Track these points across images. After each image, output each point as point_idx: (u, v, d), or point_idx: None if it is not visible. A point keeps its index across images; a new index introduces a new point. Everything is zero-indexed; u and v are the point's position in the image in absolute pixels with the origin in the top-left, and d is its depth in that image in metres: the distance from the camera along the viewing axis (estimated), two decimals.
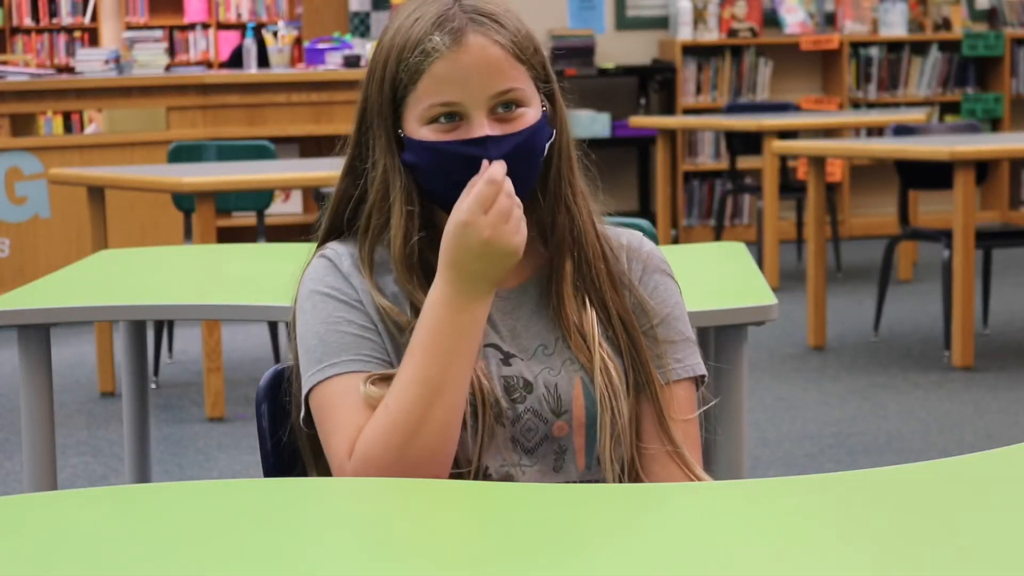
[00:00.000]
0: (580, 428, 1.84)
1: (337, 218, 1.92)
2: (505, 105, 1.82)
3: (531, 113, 1.84)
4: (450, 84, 1.81)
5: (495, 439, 1.82)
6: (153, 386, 5.63)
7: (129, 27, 12.46)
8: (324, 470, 1.84)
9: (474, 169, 1.80)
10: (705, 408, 1.94)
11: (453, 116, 1.82)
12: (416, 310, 1.82)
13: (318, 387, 1.80)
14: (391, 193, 1.85)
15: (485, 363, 1.83)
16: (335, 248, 1.89)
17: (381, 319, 1.83)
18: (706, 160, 8.93)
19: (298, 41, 8.92)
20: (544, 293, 1.90)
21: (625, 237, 1.96)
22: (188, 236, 5.96)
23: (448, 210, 1.84)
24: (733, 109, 8.22)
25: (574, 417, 1.84)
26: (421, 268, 1.85)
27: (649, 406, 1.88)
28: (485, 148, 1.80)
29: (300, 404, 1.83)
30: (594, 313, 1.88)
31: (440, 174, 1.83)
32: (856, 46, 9.00)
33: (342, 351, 1.80)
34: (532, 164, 1.85)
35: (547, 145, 1.87)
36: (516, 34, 1.84)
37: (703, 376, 1.93)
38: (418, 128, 1.83)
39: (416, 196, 1.85)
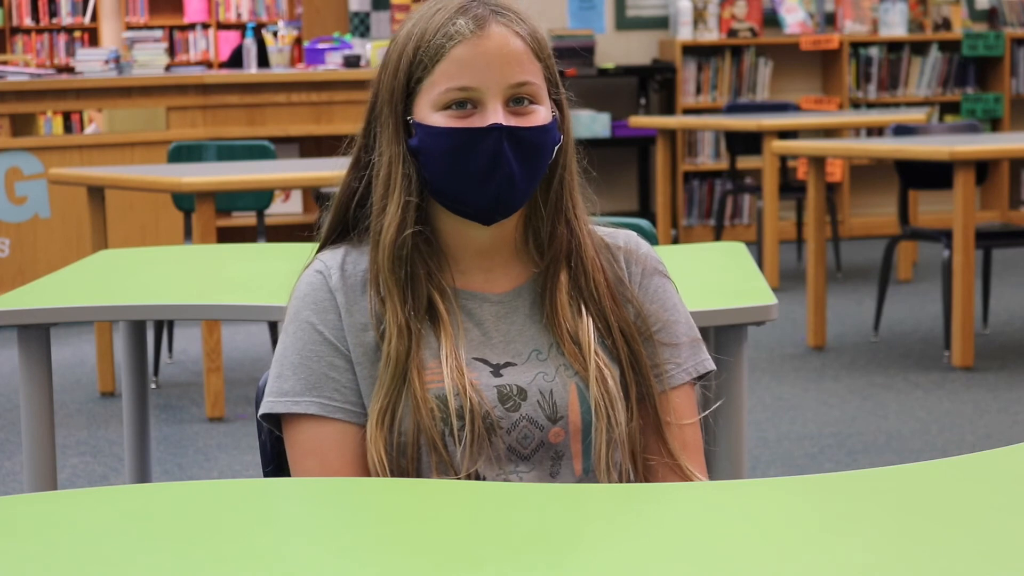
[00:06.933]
0: (577, 434, 1.83)
1: (340, 213, 1.92)
2: (519, 100, 1.82)
3: (543, 112, 1.84)
4: (469, 69, 1.81)
5: (491, 450, 1.81)
6: (153, 386, 5.63)
7: (129, 27, 12.47)
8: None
9: (481, 158, 1.80)
10: (707, 413, 1.94)
11: (466, 104, 1.81)
12: (399, 301, 1.82)
13: (284, 421, 1.84)
14: (391, 183, 1.85)
15: (476, 375, 1.83)
16: (327, 260, 1.88)
17: (366, 338, 1.84)
18: (706, 160, 8.93)
19: (298, 41, 8.92)
20: (538, 299, 1.89)
21: (622, 239, 1.95)
22: (188, 236, 5.96)
23: (446, 203, 1.84)
24: (733, 109, 8.22)
25: (570, 423, 1.83)
26: (409, 264, 1.84)
27: (650, 417, 1.88)
28: (496, 137, 1.80)
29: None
30: (591, 323, 1.87)
31: (445, 160, 1.82)
32: (856, 46, 9.00)
33: (307, 390, 1.83)
34: (540, 162, 1.85)
35: (555, 149, 1.87)
36: (535, 33, 1.86)
37: (709, 372, 1.92)
38: (430, 114, 1.83)
39: (416, 187, 1.85)
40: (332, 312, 1.85)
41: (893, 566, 1.39)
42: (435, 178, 1.84)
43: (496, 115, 1.80)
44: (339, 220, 1.92)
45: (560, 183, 1.89)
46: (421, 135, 1.83)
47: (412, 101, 1.84)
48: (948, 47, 9.13)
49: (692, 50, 8.88)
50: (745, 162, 8.42)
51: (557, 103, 1.88)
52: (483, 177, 1.81)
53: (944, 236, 5.71)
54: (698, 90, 8.92)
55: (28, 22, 12.85)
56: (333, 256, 1.89)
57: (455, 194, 1.83)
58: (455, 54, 1.81)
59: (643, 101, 8.88)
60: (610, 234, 1.95)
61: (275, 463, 1.94)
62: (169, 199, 6.05)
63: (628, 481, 1.86)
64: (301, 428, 1.83)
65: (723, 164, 8.71)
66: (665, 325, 1.90)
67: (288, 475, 1.91)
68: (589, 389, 1.83)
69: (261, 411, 1.85)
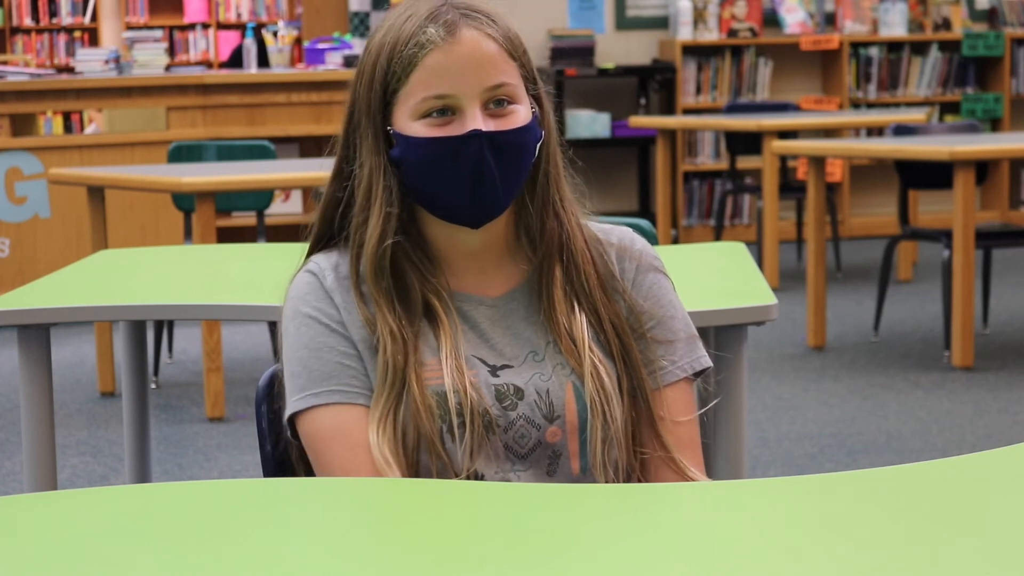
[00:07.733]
0: (574, 433, 1.83)
1: (326, 224, 1.91)
2: (497, 101, 1.82)
3: (522, 111, 1.83)
4: (444, 76, 1.80)
5: (490, 448, 1.80)
6: (153, 386, 5.63)
7: (129, 27, 12.47)
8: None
9: (463, 165, 1.80)
10: (704, 409, 1.94)
11: (445, 111, 1.81)
12: (388, 309, 1.82)
13: (304, 416, 1.81)
14: (372, 194, 1.84)
15: (474, 372, 1.83)
16: (319, 262, 1.88)
17: (366, 334, 1.83)
18: (706, 160, 8.93)
19: (298, 41, 8.92)
20: (533, 299, 1.89)
21: (615, 235, 1.94)
22: (188, 236, 5.96)
23: (431, 209, 1.84)
24: (733, 109, 8.22)
25: (567, 422, 1.83)
26: (392, 274, 1.84)
27: (644, 411, 1.87)
28: (476, 143, 1.80)
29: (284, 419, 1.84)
30: (584, 318, 1.87)
31: (428, 170, 1.81)
32: (856, 46, 9.00)
33: (324, 380, 1.81)
34: (523, 163, 1.84)
35: (537, 146, 1.86)
36: (507, 32, 1.85)
37: (706, 369, 1.92)
38: (409, 124, 1.82)
39: (397, 197, 1.84)
40: (331, 308, 1.84)
41: (893, 566, 1.39)
42: (419, 188, 1.83)
43: (475, 121, 1.80)
44: (325, 230, 1.91)
45: (545, 177, 1.88)
46: (402, 146, 1.82)
47: (390, 111, 1.84)
48: (948, 47, 9.13)
49: (692, 50, 8.88)
50: (745, 162, 8.42)
51: (536, 98, 1.88)
52: (467, 184, 1.80)
53: (944, 236, 5.71)
54: (698, 90, 8.92)
55: (28, 22, 12.85)
56: (326, 259, 1.88)
57: (440, 202, 1.83)
58: (428, 62, 1.80)
59: (643, 101, 8.88)
60: (604, 230, 1.95)
61: (275, 463, 1.94)
62: (169, 199, 6.05)
63: (627, 478, 1.86)
64: (323, 417, 1.80)
65: (723, 164, 8.71)
66: (660, 322, 1.90)
67: (289, 475, 1.91)
68: (584, 386, 1.83)
69: (289, 411, 1.81)
